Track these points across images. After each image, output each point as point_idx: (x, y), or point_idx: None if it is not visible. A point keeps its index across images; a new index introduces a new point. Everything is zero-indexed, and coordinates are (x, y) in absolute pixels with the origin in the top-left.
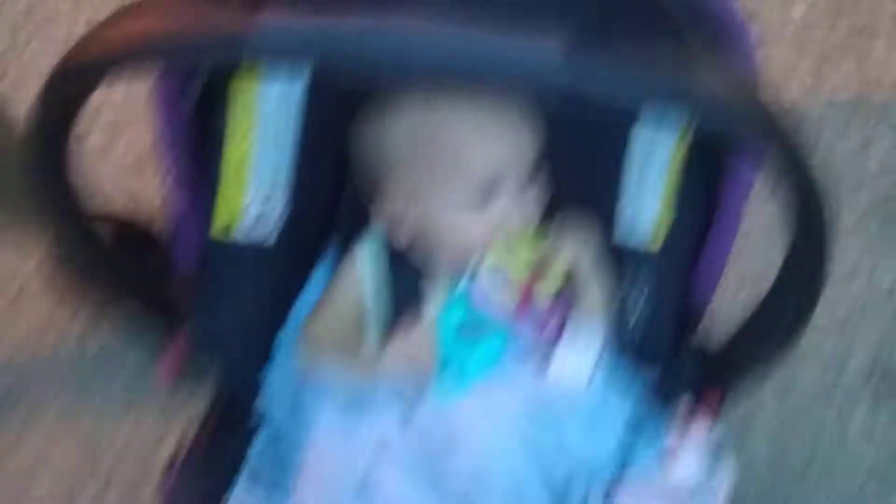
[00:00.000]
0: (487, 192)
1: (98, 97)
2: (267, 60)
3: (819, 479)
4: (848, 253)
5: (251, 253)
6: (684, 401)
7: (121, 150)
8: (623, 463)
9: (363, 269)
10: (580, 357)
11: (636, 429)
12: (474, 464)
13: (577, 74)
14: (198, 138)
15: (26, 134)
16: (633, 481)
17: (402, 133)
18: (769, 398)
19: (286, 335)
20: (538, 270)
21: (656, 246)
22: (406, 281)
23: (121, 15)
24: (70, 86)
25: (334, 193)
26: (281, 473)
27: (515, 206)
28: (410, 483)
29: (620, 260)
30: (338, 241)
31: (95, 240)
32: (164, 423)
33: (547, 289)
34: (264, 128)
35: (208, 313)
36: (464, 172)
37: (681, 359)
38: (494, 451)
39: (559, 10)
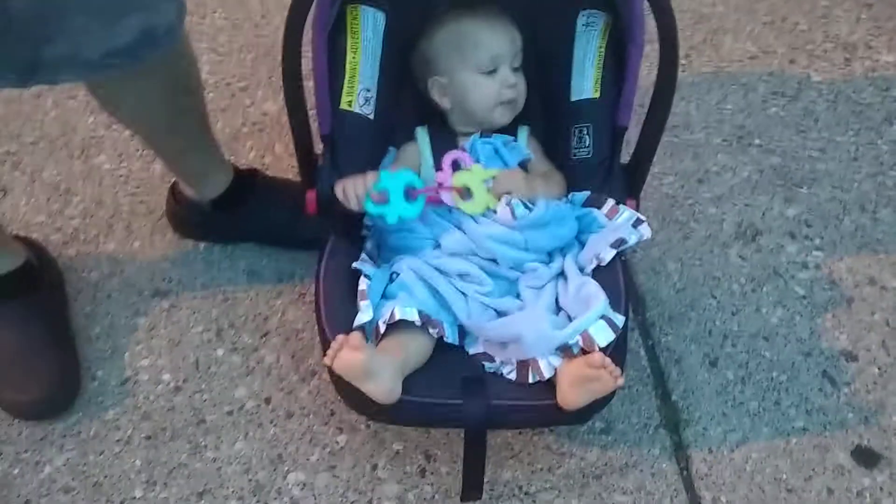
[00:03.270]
0: (493, 63)
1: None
2: None
3: (704, 284)
4: (718, 158)
5: (362, 120)
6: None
7: (220, 125)
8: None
9: (422, 142)
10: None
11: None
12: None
13: None
14: (331, 52)
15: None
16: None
17: (443, 35)
18: (675, 241)
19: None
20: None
21: (597, 95)
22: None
23: None
24: None
25: (398, 94)
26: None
27: (511, 76)
28: (462, 245)
29: (575, 109)
30: (401, 126)
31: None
32: (279, 284)
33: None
34: (366, 47)
35: (338, 156)
36: (480, 50)
37: (614, 167)
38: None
39: None
